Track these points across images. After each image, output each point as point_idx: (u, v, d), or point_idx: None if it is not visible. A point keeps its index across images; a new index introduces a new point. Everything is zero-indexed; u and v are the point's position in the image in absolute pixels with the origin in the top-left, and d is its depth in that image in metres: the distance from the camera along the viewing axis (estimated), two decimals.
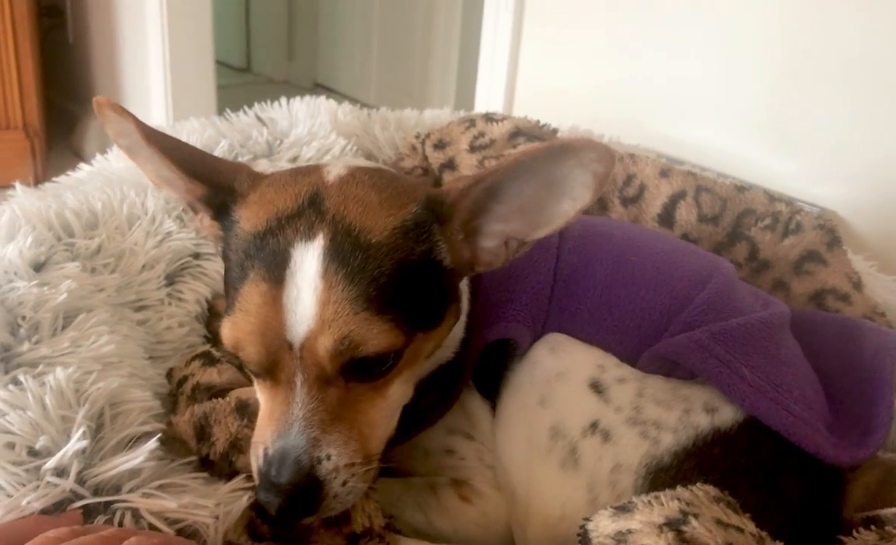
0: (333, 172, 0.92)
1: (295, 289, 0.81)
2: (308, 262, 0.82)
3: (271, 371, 0.84)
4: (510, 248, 0.93)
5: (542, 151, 0.81)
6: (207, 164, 0.96)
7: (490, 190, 0.88)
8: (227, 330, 0.85)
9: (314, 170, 0.94)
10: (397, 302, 0.83)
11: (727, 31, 1.95)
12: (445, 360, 1.03)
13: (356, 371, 0.84)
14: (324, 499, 0.83)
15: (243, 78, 5.82)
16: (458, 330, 1.03)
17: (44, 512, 0.83)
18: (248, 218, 0.88)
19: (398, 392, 0.91)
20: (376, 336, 0.81)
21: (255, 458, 0.85)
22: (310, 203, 0.86)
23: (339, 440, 0.83)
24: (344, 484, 0.84)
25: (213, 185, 0.93)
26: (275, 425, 0.83)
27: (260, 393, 0.90)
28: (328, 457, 0.82)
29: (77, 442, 0.86)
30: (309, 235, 0.83)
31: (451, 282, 0.94)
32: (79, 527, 0.80)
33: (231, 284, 0.87)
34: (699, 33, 2.00)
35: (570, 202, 0.85)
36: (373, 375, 0.86)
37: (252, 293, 0.83)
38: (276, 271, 0.82)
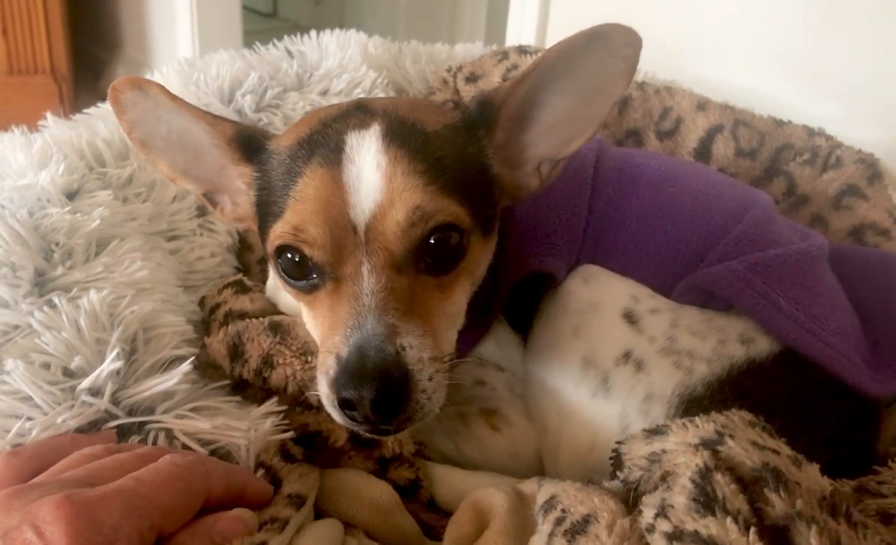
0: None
1: (355, 169, 0.78)
2: (367, 143, 0.80)
3: (334, 265, 0.79)
4: (542, 173, 0.92)
5: (576, 39, 0.79)
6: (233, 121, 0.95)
7: (529, 96, 0.87)
8: (286, 219, 0.80)
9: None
10: (459, 189, 0.80)
11: None
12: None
13: (425, 259, 0.80)
14: (412, 393, 0.74)
15: (270, 23, 5.77)
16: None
17: (79, 431, 0.84)
18: (288, 136, 0.88)
19: (460, 298, 0.86)
20: (447, 207, 0.78)
21: (326, 376, 0.76)
22: (356, 108, 0.87)
23: (416, 331, 0.76)
24: (430, 378, 0.76)
25: (241, 125, 0.93)
26: (344, 323, 0.75)
27: (314, 310, 0.84)
28: (410, 347, 0.75)
29: (111, 363, 0.87)
30: (362, 125, 0.82)
31: (498, 196, 0.91)
32: (113, 446, 0.81)
33: (277, 194, 0.83)
34: None
35: (601, 99, 0.85)
36: (441, 268, 0.81)
37: (308, 183, 0.80)
38: (333, 156, 0.80)
